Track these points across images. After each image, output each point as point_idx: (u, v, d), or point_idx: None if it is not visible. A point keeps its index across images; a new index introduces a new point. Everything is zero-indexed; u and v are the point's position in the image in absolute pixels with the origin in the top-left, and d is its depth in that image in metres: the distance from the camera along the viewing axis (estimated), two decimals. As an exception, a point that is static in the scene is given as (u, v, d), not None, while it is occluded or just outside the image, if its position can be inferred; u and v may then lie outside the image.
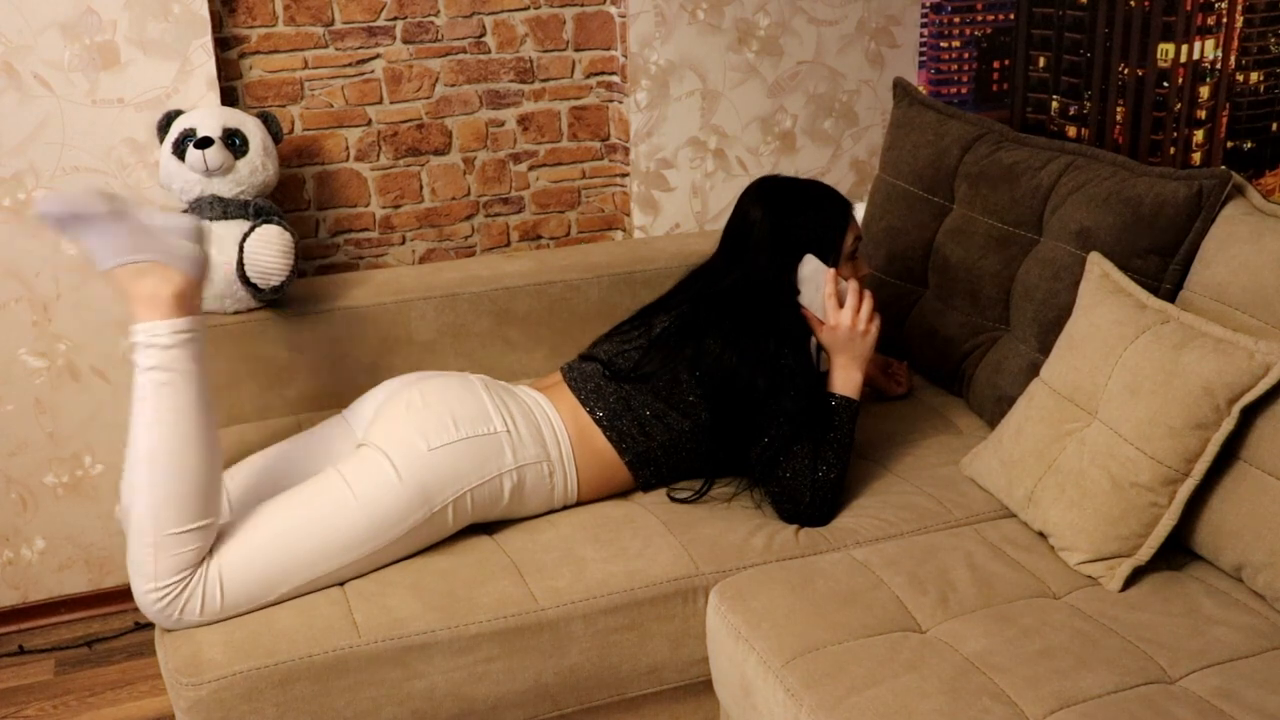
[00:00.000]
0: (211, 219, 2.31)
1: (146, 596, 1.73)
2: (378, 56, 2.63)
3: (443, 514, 1.88)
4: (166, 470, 1.71)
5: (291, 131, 2.61)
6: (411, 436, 1.89)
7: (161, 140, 2.36)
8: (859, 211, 2.57)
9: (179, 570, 1.72)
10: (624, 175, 2.84)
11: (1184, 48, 2.36)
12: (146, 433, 1.72)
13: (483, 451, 1.91)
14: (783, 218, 2.05)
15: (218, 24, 2.48)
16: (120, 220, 1.74)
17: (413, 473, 1.85)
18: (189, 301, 1.77)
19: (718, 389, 1.99)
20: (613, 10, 2.75)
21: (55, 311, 2.44)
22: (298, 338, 2.32)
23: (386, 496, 1.83)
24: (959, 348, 2.35)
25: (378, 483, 1.84)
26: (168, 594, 1.72)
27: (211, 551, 1.76)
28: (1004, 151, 2.33)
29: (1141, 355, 1.80)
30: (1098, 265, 1.98)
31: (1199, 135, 2.37)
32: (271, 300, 2.30)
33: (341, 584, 1.84)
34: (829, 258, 2.05)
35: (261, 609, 1.77)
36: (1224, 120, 2.33)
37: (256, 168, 2.35)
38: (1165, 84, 2.40)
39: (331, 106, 2.62)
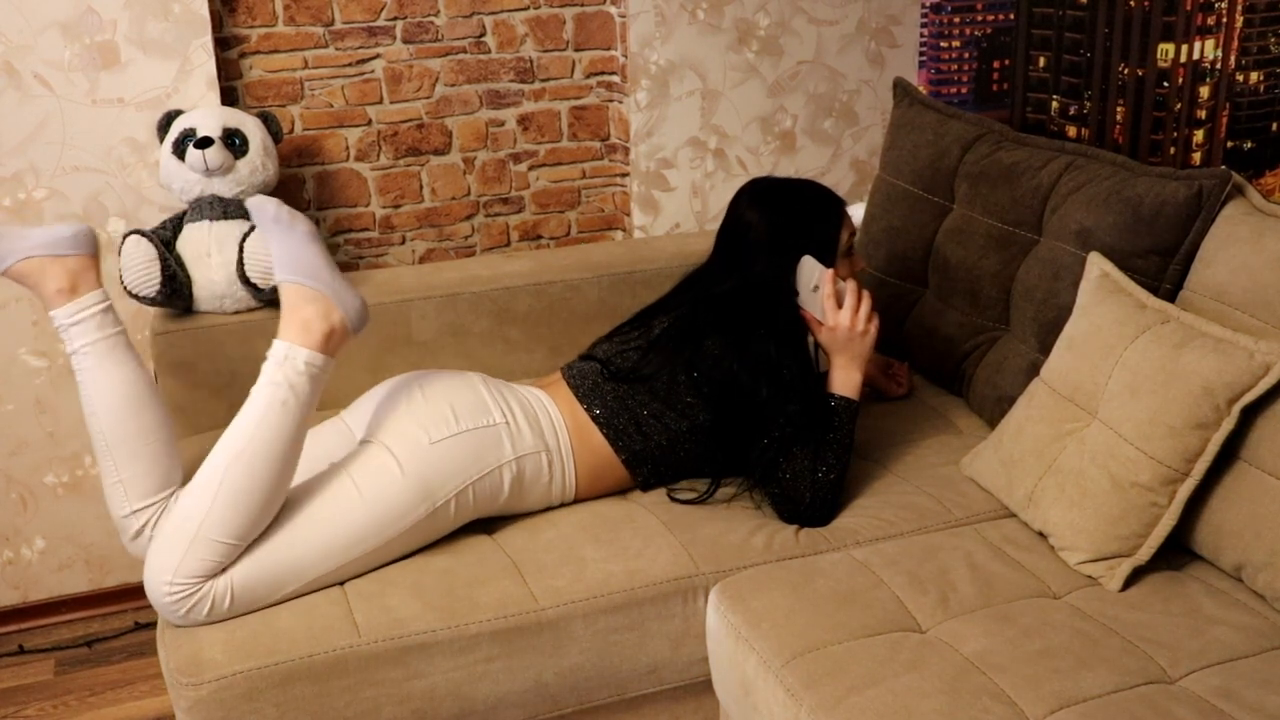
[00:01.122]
0: (211, 219, 2.31)
1: (159, 588, 1.72)
2: (378, 56, 2.63)
3: (445, 508, 1.88)
4: (241, 477, 1.74)
5: (291, 131, 2.61)
6: (413, 430, 1.89)
7: (161, 140, 2.36)
8: (859, 211, 2.58)
9: (198, 574, 1.72)
10: (624, 175, 2.84)
11: (1184, 48, 2.36)
12: (242, 435, 1.76)
13: (482, 443, 1.92)
14: (779, 220, 2.05)
15: (218, 24, 2.49)
16: (316, 245, 1.86)
17: (415, 466, 1.86)
18: (335, 344, 1.85)
19: (717, 391, 1.99)
20: (613, 10, 2.75)
21: (55, 311, 2.44)
22: (298, 338, 2.32)
23: (391, 491, 1.84)
24: (959, 348, 2.35)
25: (383, 478, 1.84)
26: (179, 592, 1.72)
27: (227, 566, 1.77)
28: (1004, 151, 2.33)
29: (1141, 355, 1.80)
30: (1098, 265, 1.98)
31: (1199, 135, 2.37)
32: (271, 300, 2.30)
33: (342, 584, 1.84)
34: (826, 257, 2.05)
35: (264, 609, 1.78)
36: (1224, 120, 2.33)
37: (256, 167, 2.35)
38: (1165, 84, 2.40)
39: (331, 106, 2.63)
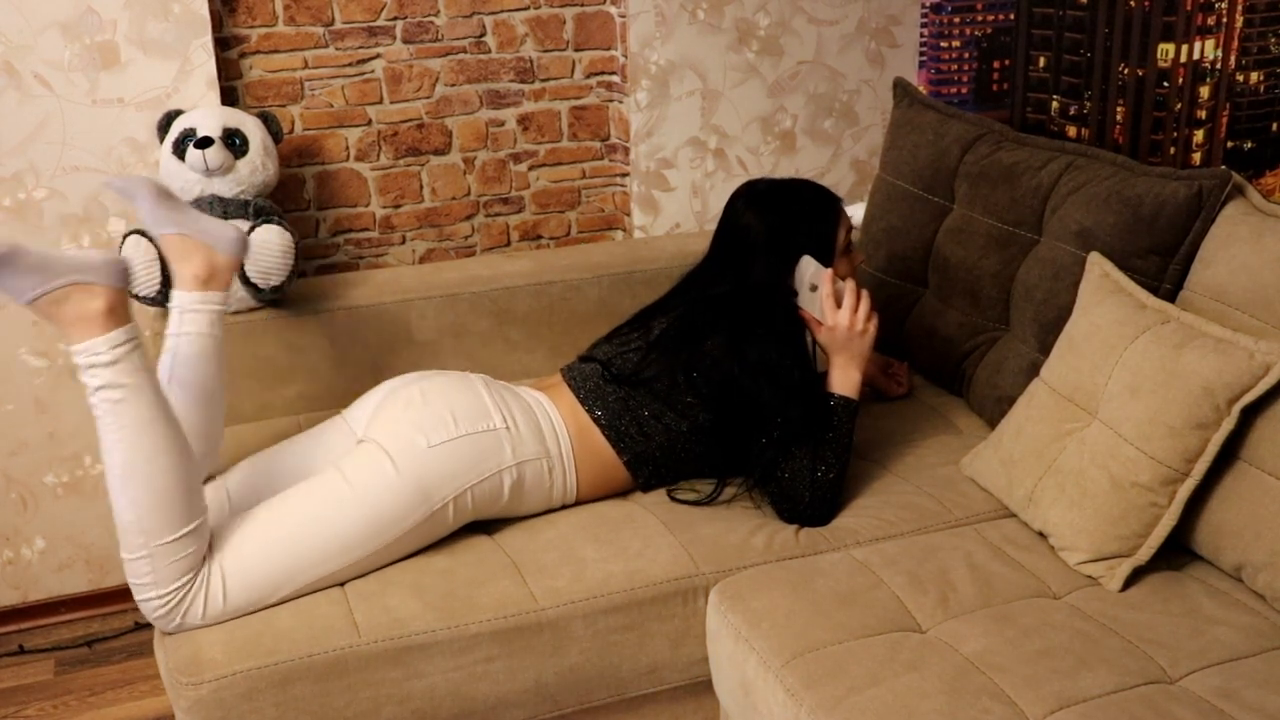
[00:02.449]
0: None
1: (150, 604, 1.73)
2: (378, 56, 2.63)
3: (443, 511, 1.88)
4: (144, 484, 1.70)
5: (291, 131, 2.61)
6: (411, 434, 1.89)
7: (161, 140, 2.36)
8: (858, 211, 2.58)
9: (180, 575, 1.72)
10: (624, 175, 2.84)
11: (1184, 48, 2.35)
12: (114, 451, 1.71)
13: (482, 448, 1.91)
14: (776, 221, 2.05)
15: (218, 24, 2.48)
16: (19, 257, 1.68)
17: (412, 469, 1.85)
18: (121, 311, 1.72)
19: (717, 392, 1.99)
20: (613, 10, 2.75)
21: (55, 311, 2.44)
22: (298, 338, 2.32)
23: (386, 494, 1.83)
24: (959, 348, 2.35)
25: (377, 480, 1.84)
26: (170, 600, 1.72)
27: (213, 555, 1.76)
28: (1004, 151, 2.33)
29: (1141, 355, 1.80)
30: (1098, 265, 1.98)
31: (1199, 135, 2.37)
32: (271, 300, 2.30)
33: (341, 584, 1.84)
34: (824, 256, 2.05)
35: (262, 610, 1.77)
36: (1224, 120, 2.33)
37: (256, 167, 2.35)
38: (1165, 84, 2.40)
39: (331, 106, 2.63)
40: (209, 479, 1.94)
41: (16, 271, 1.68)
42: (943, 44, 2.93)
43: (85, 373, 1.70)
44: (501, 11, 2.69)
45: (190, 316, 1.92)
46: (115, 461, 1.71)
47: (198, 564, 1.73)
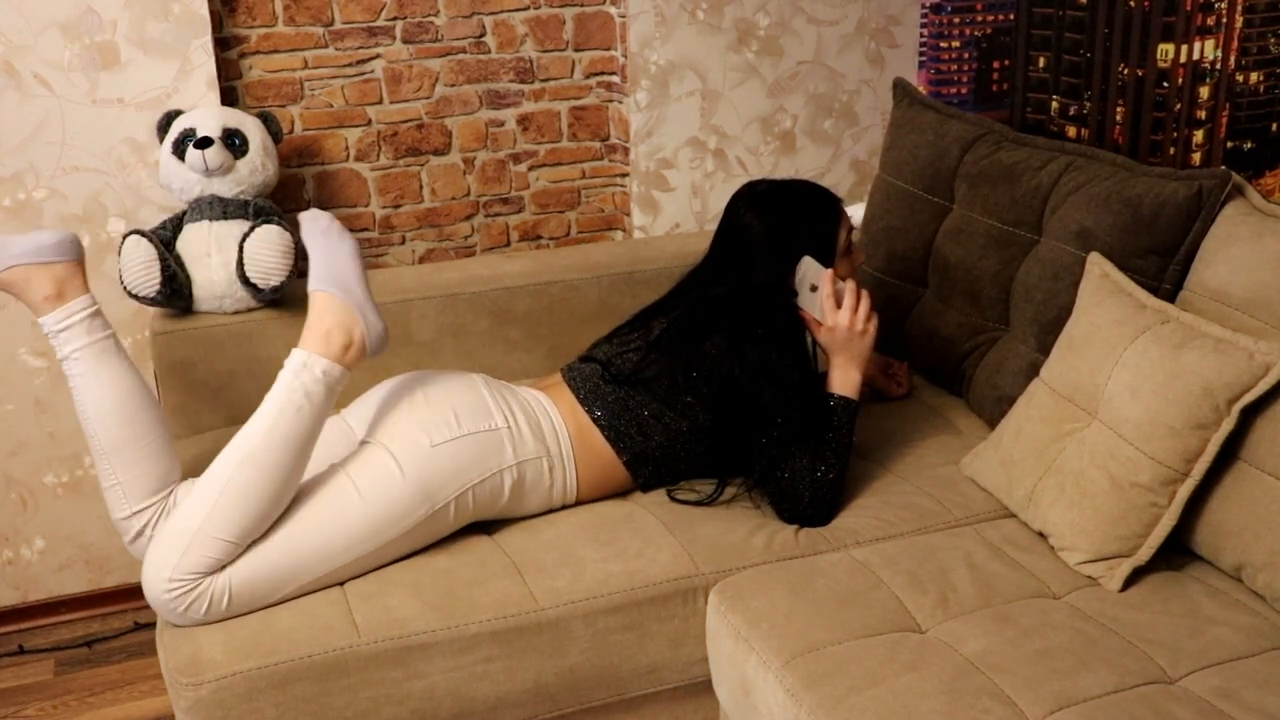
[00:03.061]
0: (211, 219, 2.31)
1: (158, 584, 1.72)
2: (378, 56, 2.63)
3: (444, 511, 1.88)
4: (249, 477, 1.75)
5: (291, 131, 2.61)
6: (414, 433, 1.89)
7: (161, 140, 2.36)
8: (858, 211, 2.58)
9: (196, 571, 1.72)
10: (624, 175, 2.84)
11: (1184, 48, 2.35)
12: (254, 437, 1.77)
13: (484, 447, 1.92)
14: (777, 223, 2.05)
15: (218, 24, 2.49)
16: (356, 262, 1.89)
17: (416, 469, 1.86)
18: (353, 358, 1.86)
19: (717, 392, 1.99)
20: (613, 10, 2.75)
21: (55, 311, 2.44)
22: (298, 338, 2.32)
23: (390, 493, 1.84)
24: (959, 348, 2.35)
25: (382, 480, 1.84)
26: (178, 589, 1.72)
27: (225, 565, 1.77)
28: (1004, 152, 2.33)
29: (1141, 355, 1.80)
30: (1098, 265, 1.98)
31: (1199, 135, 2.37)
32: (271, 300, 2.30)
33: (341, 584, 1.84)
34: (825, 257, 2.05)
35: (263, 609, 1.78)
36: (1224, 120, 2.33)
37: (256, 167, 2.35)
38: (1165, 84, 2.40)
39: (331, 106, 2.63)
40: (180, 479, 1.94)
41: (341, 266, 1.87)
42: (943, 44, 2.93)
43: (291, 371, 1.82)
44: (501, 11, 2.69)
45: (65, 335, 1.88)
46: (247, 445, 1.77)
47: (213, 571, 1.74)
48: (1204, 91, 2.35)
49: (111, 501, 1.89)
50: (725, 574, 1.88)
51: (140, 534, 1.88)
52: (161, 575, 1.72)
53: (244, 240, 2.24)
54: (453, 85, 2.70)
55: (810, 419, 1.98)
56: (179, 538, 1.73)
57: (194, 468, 1.94)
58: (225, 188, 2.33)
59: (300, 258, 2.52)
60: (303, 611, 1.77)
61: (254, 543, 1.77)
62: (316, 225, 1.90)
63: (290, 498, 1.81)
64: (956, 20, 2.91)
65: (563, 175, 2.85)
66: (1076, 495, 1.83)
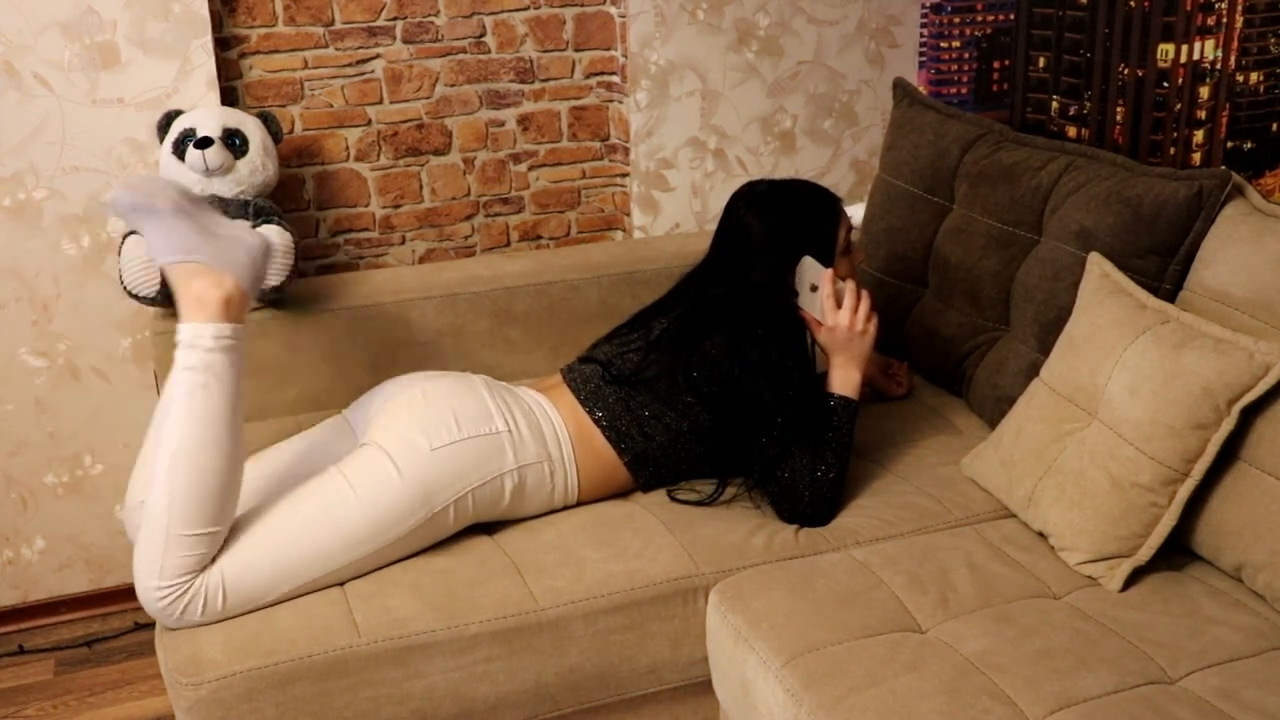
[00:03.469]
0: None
1: (150, 594, 1.73)
2: (378, 56, 2.63)
3: (444, 514, 1.88)
4: (188, 469, 1.72)
5: (291, 131, 2.61)
6: (414, 436, 1.89)
7: (161, 140, 2.36)
8: (858, 211, 2.58)
9: (184, 572, 1.72)
10: (624, 175, 2.84)
11: (1184, 48, 2.35)
12: (175, 429, 1.73)
13: (484, 451, 1.91)
14: (777, 223, 2.05)
15: (218, 24, 2.48)
16: (184, 218, 1.78)
17: (414, 472, 1.85)
18: (237, 309, 1.78)
19: (717, 392, 1.99)
20: (613, 10, 2.75)
21: (55, 311, 2.44)
22: (298, 338, 2.32)
23: (388, 496, 1.83)
24: (959, 348, 2.35)
25: (380, 482, 1.84)
26: (170, 593, 1.72)
27: (215, 555, 1.76)
28: (1004, 152, 2.33)
29: (1141, 355, 1.80)
30: (1098, 265, 1.98)
31: (1199, 135, 2.37)
32: (271, 300, 2.30)
33: (341, 584, 1.84)
34: (825, 256, 2.05)
35: (261, 609, 1.77)
36: (1224, 120, 2.33)
37: (256, 168, 2.35)
38: (1165, 84, 2.40)
39: (331, 106, 2.63)
40: None
41: (171, 230, 1.77)
42: (943, 44, 2.93)
43: (182, 350, 1.75)
44: (501, 11, 2.69)
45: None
46: (173, 442, 1.72)
47: (201, 567, 1.74)
48: (1204, 91, 2.35)
49: (134, 486, 1.87)
50: (725, 574, 1.88)
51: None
52: (150, 584, 1.72)
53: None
54: (453, 85, 2.70)
55: (810, 419, 1.98)
56: (154, 545, 1.72)
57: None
58: (225, 188, 2.32)
59: (299, 258, 2.52)
60: (303, 611, 1.77)
61: (248, 542, 1.77)
62: (122, 205, 1.77)
63: (241, 467, 1.78)
64: (956, 20, 2.90)
65: (563, 175, 2.85)
66: (1077, 495, 1.83)
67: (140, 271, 2.19)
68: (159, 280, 2.20)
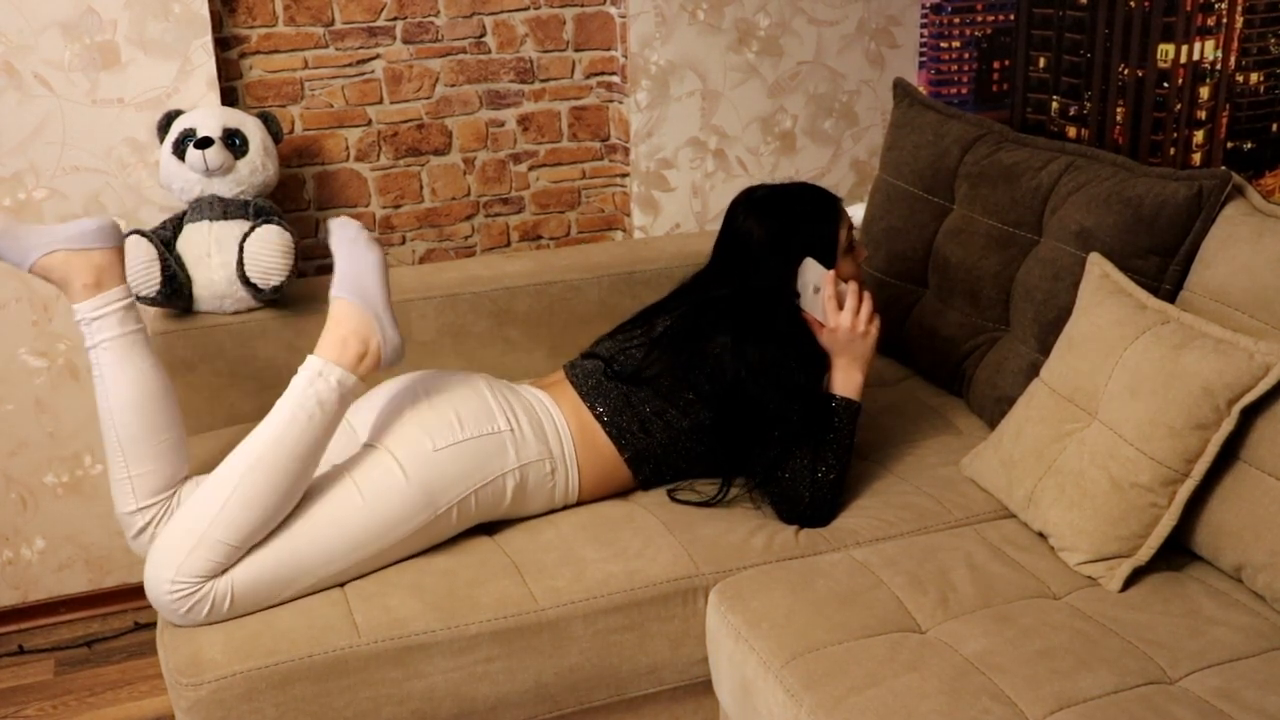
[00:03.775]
0: (211, 219, 2.31)
1: (160, 585, 1.72)
2: (378, 57, 2.63)
3: (447, 514, 1.88)
4: (255, 483, 1.74)
5: (291, 131, 2.61)
6: (418, 436, 1.89)
7: (161, 140, 2.36)
8: (859, 211, 2.58)
9: (199, 574, 1.72)
10: (624, 175, 2.84)
11: (1184, 48, 2.35)
12: (263, 443, 1.77)
13: (487, 450, 1.92)
14: (778, 227, 2.05)
15: (218, 24, 2.49)
16: (381, 271, 1.87)
17: (419, 473, 1.86)
18: (366, 368, 1.85)
19: (720, 391, 1.99)
20: (613, 10, 2.75)
21: (55, 311, 2.44)
22: (298, 338, 2.32)
23: (393, 497, 1.83)
24: (959, 348, 2.35)
25: (385, 483, 1.84)
26: (180, 591, 1.72)
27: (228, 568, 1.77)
28: (1004, 152, 2.33)
29: (1141, 356, 1.80)
30: (1098, 266, 1.98)
31: (1199, 136, 2.37)
32: (271, 300, 2.30)
33: (342, 584, 1.84)
34: (827, 258, 2.05)
35: (264, 610, 1.77)
36: (1224, 121, 2.33)
37: (256, 168, 2.35)
38: (1165, 84, 2.40)
39: (331, 106, 2.63)
40: (186, 478, 1.93)
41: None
42: (943, 44, 2.93)
43: (306, 377, 1.82)
44: (501, 12, 2.69)
45: (98, 324, 1.86)
46: (255, 452, 1.77)
47: (216, 574, 1.74)
48: (1204, 92, 2.35)
49: (118, 495, 1.88)
50: (725, 574, 1.88)
51: (143, 530, 1.87)
52: (164, 576, 1.72)
53: (244, 240, 2.24)
54: (453, 85, 2.70)
55: (812, 420, 1.98)
56: (184, 540, 1.73)
57: (195, 468, 1.94)
58: (225, 188, 2.33)
59: (299, 258, 2.52)
60: (303, 612, 1.77)
61: (255, 546, 1.77)
62: (345, 233, 1.88)
63: (293, 504, 1.80)
64: (957, 20, 2.91)
65: (563, 175, 2.85)
66: (1076, 495, 1.83)
67: (141, 271, 2.19)
68: (159, 280, 2.20)
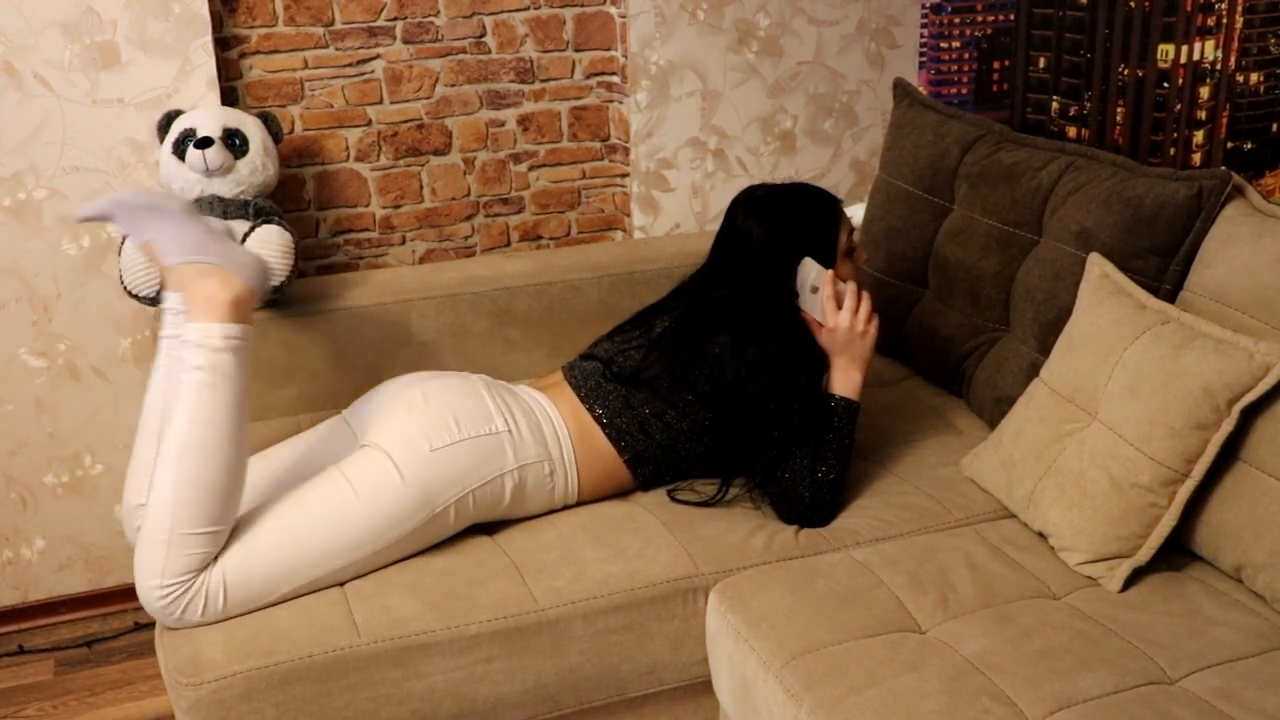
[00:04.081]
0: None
1: (151, 593, 1.73)
2: (378, 57, 2.63)
3: (444, 514, 1.88)
4: (194, 469, 1.72)
5: (292, 131, 2.61)
6: (414, 437, 1.89)
7: (162, 140, 2.36)
8: (859, 211, 2.58)
9: (185, 571, 1.72)
10: (624, 175, 2.84)
11: (1184, 48, 2.36)
12: (181, 429, 1.74)
13: (484, 451, 1.91)
14: (777, 227, 2.05)
15: (218, 24, 2.48)
16: (194, 221, 1.81)
17: (415, 473, 1.85)
18: (244, 310, 1.80)
19: (719, 391, 1.99)
20: (613, 10, 2.75)
21: (55, 311, 2.44)
22: (298, 338, 2.32)
23: (389, 497, 1.83)
24: (959, 348, 2.35)
25: (381, 483, 1.84)
26: (171, 593, 1.72)
27: (216, 554, 1.76)
28: (1004, 152, 2.33)
29: (1141, 356, 1.80)
30: (1098, 266, 1.98)
31: (1199, 136, 2.37)
32: (271, 300, 2.30)
33: (341, 584, 1.84)
34: (826, 258, 2.05)
35: (261, 609, 1.77)
36: (1224, 121, 2.33)
37: (256, 168, 2.35)
38: (1165, 85, 2.40)
39: (331, 106, 2.63)
40: None
41: (182, 231, 1.81)
42: (943, 44, 2.93)
43: (190, 348, 1.76)
44: (501, 12, 2.69)
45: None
46: (179, 440, 1.73)
47: (203, 566, 1.74)
48: (1204, 92, 2.35)
49: (132, 485, 1.87)
50: (725, 574, 1.88)
51: (141, 530, 1.87)
52: (152, 584, 1.72)
53: (244, 240, 2.24)
54: (453, 85, 2.70)
55: (811, 420, 1.98)
56: (156, 544, 1.72)
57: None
58: (225, 188, 2.32)
59: (299, 258, 2.52)
60: (303, 611, 1.77)
61: (249, 542, 1.77)
62: (133, 205, 1.82)
63: (244, 467, 1.78)
64: (957, 20, 2.91)
65: (563, 175, 2.85)
66: (1076, 496, 1.83)
67: (141, 271, 2.19)
68: (159, 280, 2.20)
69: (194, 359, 1.76)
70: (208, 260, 1.80)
